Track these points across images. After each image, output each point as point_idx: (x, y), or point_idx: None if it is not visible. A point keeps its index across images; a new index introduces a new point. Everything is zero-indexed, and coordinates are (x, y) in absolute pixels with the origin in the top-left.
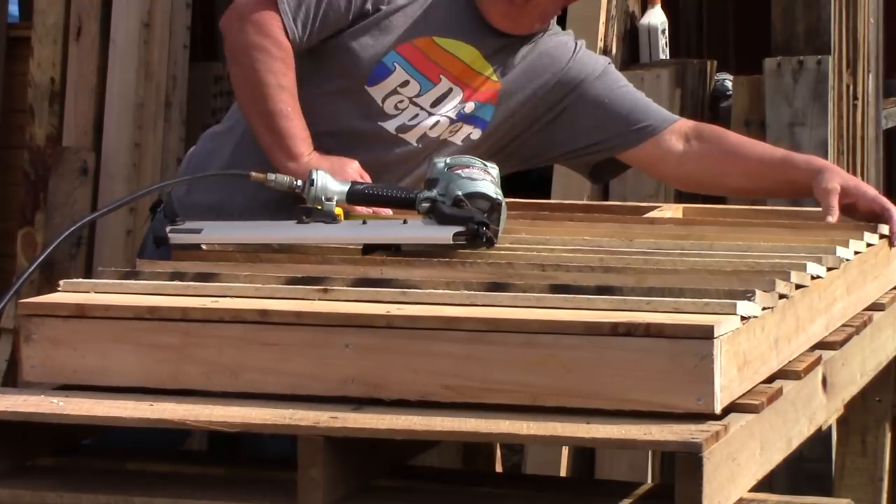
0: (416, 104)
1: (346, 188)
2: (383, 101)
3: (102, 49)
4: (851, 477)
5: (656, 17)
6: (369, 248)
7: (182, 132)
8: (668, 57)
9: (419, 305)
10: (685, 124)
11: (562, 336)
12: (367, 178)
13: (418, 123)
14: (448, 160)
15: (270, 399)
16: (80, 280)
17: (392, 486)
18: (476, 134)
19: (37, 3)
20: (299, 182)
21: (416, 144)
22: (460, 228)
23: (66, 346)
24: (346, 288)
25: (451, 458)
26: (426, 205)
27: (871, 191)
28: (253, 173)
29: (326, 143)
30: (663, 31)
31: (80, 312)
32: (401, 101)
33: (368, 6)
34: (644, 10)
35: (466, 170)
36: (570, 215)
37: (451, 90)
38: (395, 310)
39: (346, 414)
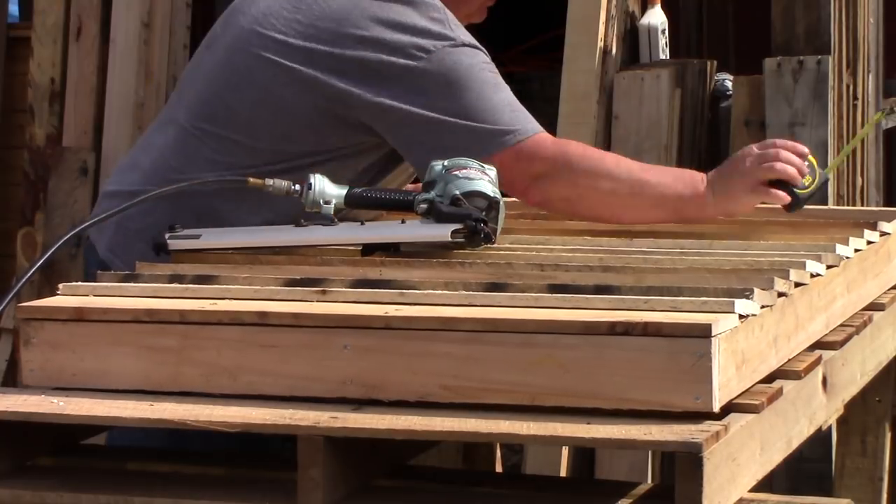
0: None
1: (343, 192)
2: None
3: (102, 49)
4: (851, 477)
5: (656, 17)
6: (369, 249)
7: None
8: (668, 57)
9: (417, 306)
10: None
11: (560, 336)
12: None
13: None
14: (445, 163)
15: (270, 400)
16: (79, 283)
17: (392, 486)
18: None
19: (37, 3)
20: (297, 186)
21: None
22: (458, 226)
23: (66, 350)
24: (344, 289)
25: (451, 458)
26: (424, 206)
27: None
28: (251, 179)
29: None
30: (663, 31)
31: (79, 316)
32: None
33: None
34: (644, 10)
35: (464, 171)
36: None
37: None
38: (393, 311)
39: (346, 414)
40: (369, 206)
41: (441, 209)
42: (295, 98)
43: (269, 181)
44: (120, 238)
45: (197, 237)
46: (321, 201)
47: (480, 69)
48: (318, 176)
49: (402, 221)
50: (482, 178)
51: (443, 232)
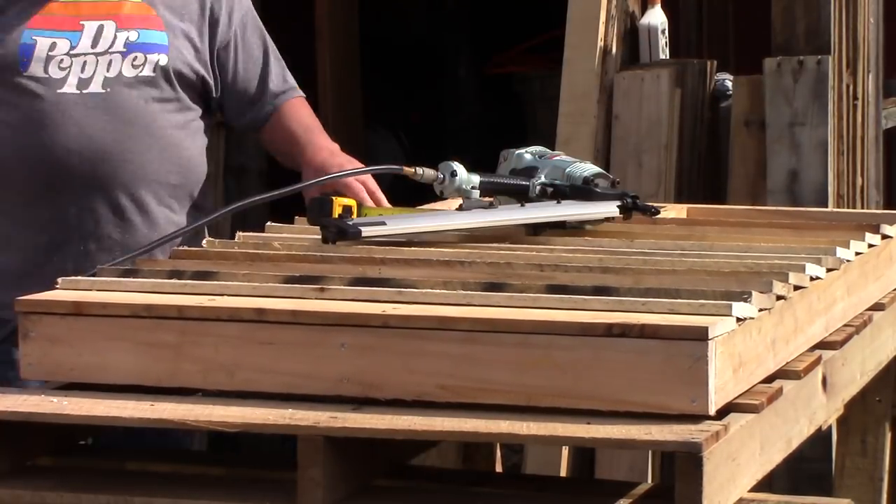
0: (76, 55)
1: (478, 180)
2: (46, 70)
3: None
4: (851, 477)
5: (656, 17)
6: (538, 229)
7: None
8: (668, 57)
9: (415, 305)
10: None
11: (557, 337)
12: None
13: (94, 71)
14: (532, 150)
15: (267, 398)
16: (79, 277)
17: (392, 486)
18: (164, 59)
19: None
20: (440, 175)
21: (104, 90)
22: (619, 203)
23: (64, 344)
24: (343, 287)
25: (451, 458)
26: (540, 189)
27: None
28: (405, 168)
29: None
30: (663, 31)
31: (78, 310)
32: (61, 60)
33: None
34: (644, 10)
35: (556, 157)
36: None
37: (101, 26)
38: (391, 309)
39: (346, 414)
40: (496, 192)
41: (596, 190)
42: None
43: (420, 170)
44: None
45: (382, 224)
46: (469, 187)
47: None
48: (457, 164)
49: (522, 204)
50: (584, 161)
51: (611, 209)
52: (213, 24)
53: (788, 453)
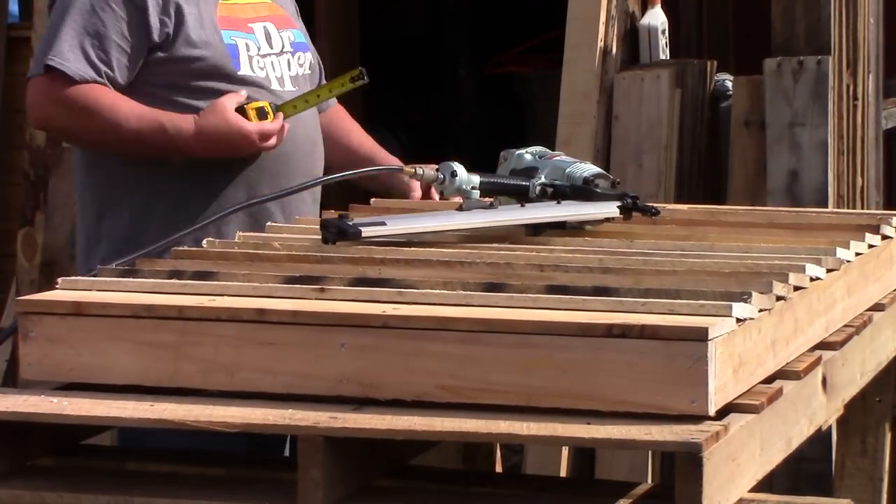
0: (264, 55)
1: (478, 180)
2: (252, 70)
3: None
4: (851, 477)
5: (656, 17)
6: (538, 229)
7: None
8: (668, 57)
9: (415, 305)
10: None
11: (556, 337)
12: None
13: (281, 70)
14: (532, 150)
15: (267, 398)
16: (79, 278)
17: (392, 486)
18: (310, 57)
19: (37, 3)
20: (441, 175)
21: (294, 88)
22: (619, 204)
23: (64, 344)
24: (343, 287)
25: (451, 458)
26: (542, 189)
27: None
28: (405, 167)
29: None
30: (663, 31)
31: (78, 310)
32: (256, 60)
33: (166, 16)
34: (644, 10)
35: (556, 158)
36: None
37: (265, 27)
38: (391, 310)
39: (346, 414)
40: (494, 191)
41: (596, 190)
42: None
43: (420, 170)
44: None
45: (382, 224)
46: (469, 188)
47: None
48: (457, 164)
49: (522, 204)
50: (584, 161)
51: (611, 209)
52: (298, 12)
53: (788, 453)
